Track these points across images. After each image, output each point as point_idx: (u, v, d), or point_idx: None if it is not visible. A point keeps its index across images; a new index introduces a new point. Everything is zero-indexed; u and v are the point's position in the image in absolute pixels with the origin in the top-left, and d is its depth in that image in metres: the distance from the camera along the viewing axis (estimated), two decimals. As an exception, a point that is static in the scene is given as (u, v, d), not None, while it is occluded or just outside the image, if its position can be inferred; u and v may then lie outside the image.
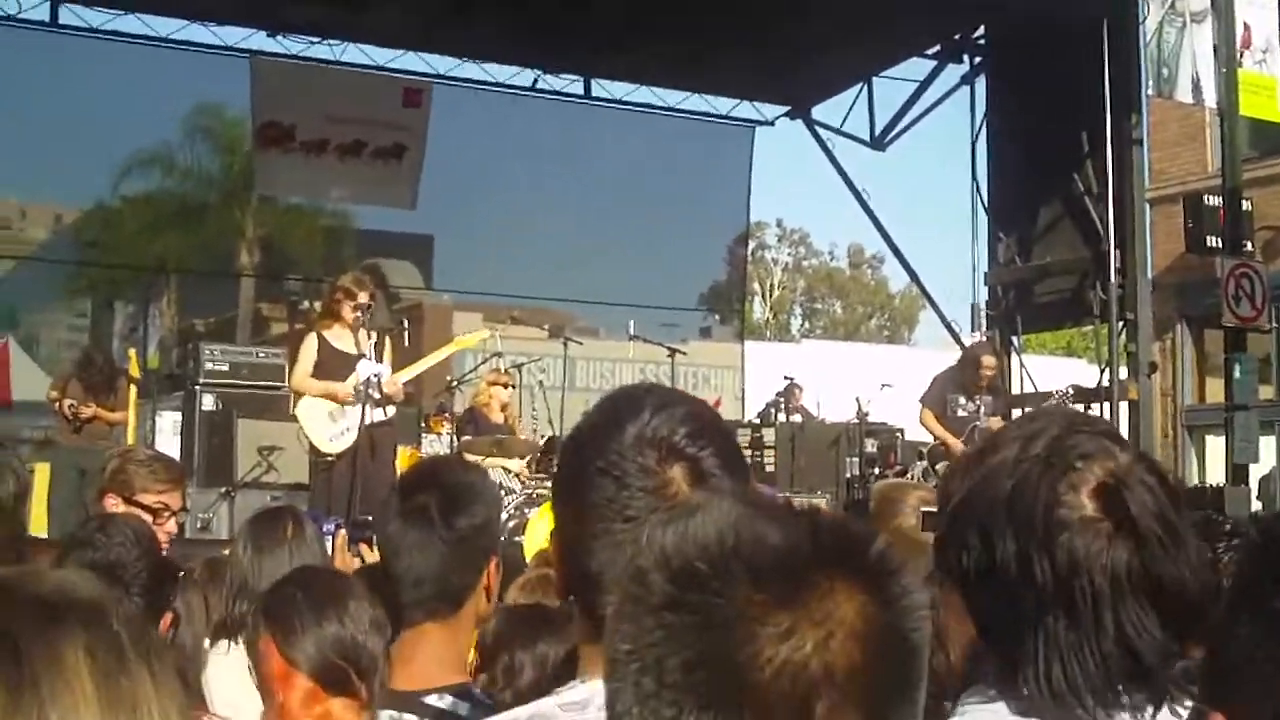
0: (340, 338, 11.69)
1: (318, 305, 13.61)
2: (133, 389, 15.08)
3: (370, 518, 5.84)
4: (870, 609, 1.47)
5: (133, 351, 16.23)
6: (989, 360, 15.44)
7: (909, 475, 15.65)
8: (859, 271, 74.84)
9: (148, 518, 5.60)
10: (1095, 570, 2.07)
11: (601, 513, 2.23)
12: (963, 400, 14.94)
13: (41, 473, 15.65)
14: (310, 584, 4.02)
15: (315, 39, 20.81)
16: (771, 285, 71.85)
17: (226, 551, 5.82)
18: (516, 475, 14.01)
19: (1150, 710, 2.09)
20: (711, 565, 1.49)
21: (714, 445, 2.28)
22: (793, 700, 1.43)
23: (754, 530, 1.52)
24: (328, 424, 11.60)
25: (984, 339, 18.66)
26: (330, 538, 5.45)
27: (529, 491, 13.39)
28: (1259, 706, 1.70)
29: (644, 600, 1.52)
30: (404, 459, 14.17)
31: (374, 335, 11.77)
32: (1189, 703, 2.10)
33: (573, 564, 2.29)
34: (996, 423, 14.29)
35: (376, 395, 11.45)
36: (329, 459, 11.59)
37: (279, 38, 20.73)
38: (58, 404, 15.66)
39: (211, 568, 5.34)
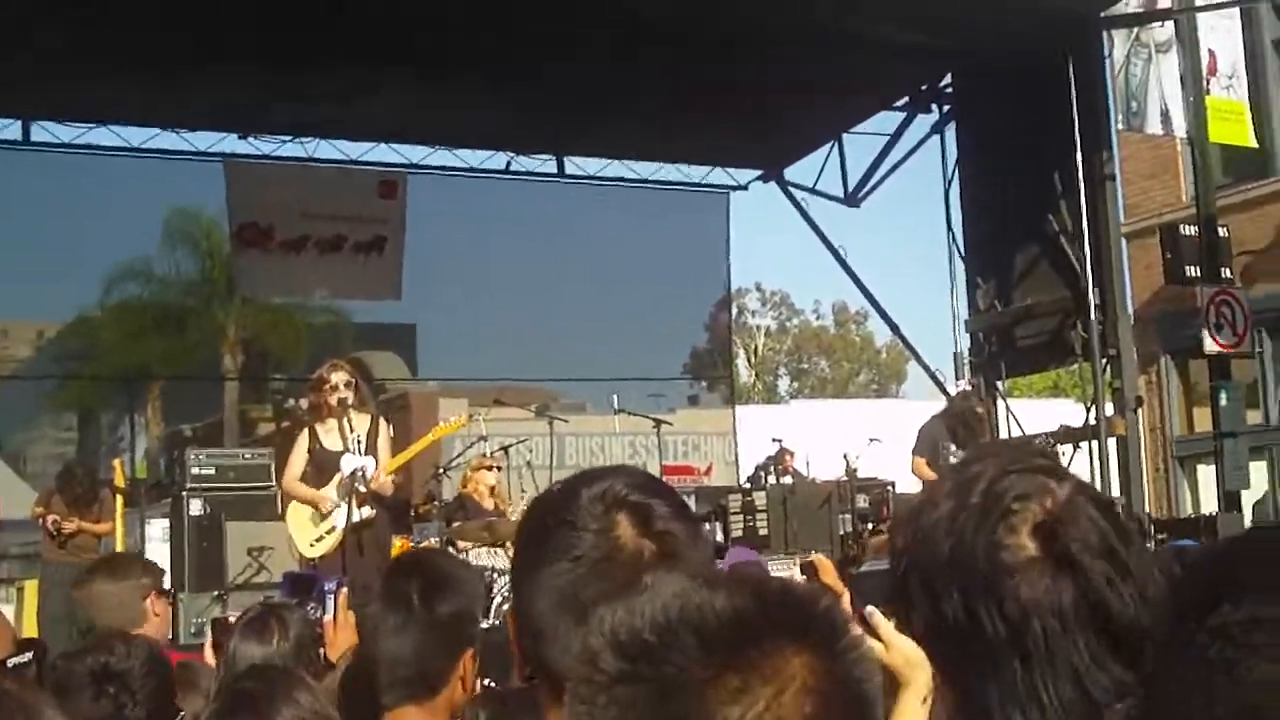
0: (329, 432, 11.63)
1: (304, 403, 13.59)
2: (119, 499, 15.08)
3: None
4: (818, 663, 1.50)
5: (117, 462, 16.26)
6: (976, 410, 15.44)
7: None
8: (844, 329, 74.84)
9: None
10: (1045, 611, 2.04)
11: (551, 559, 2.23)
12: (954, 448, 14.92)
13: (30, 589, 15.69)
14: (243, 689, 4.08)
15: (286, 138, 20.87)
16: (756, 349, 71.90)
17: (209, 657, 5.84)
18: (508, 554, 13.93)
19: None
20: (659, 636, 1.51)
21: (665, 499, 2.29)
22: None
23: (699, 599, 1.53)
24: (310, 528, 11.59)
25: (968, 387, 18.61)
26: (331, 596, 5.49)
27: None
28: None
29: (596, 679, 1.53)
30: (397, 550, 14.13)
31: (363, 421, 11.69)
32: None
33: (523, 621, 2.28)
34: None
35: (362, 489, 11.37)
36: (312, 562, 11.52)
37: (250, 139, 20.78)
38: (41, 520, 15.70)
39: (184, 672, 5.36)
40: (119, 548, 14.77)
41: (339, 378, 11.62)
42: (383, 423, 12.06)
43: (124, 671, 4.43)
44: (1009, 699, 2.04)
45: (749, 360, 69.56)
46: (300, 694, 3.94)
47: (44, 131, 20.01)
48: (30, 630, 15.14)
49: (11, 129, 19.75)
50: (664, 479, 2.68)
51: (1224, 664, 1.57)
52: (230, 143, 20.93)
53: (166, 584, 7.37)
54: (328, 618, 5.42)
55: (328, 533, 11.47)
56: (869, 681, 1.54)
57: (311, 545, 11.54)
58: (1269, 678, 1.52)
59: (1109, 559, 2.07)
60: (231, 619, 6.18)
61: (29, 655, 3.30)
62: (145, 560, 7.20)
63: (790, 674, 1.47)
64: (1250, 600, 1.58)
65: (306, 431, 11.88)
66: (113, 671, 4.39)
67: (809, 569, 6.50)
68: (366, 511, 11.46)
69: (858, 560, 14.08)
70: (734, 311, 38.79)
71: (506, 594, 12.71)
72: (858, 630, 1.58)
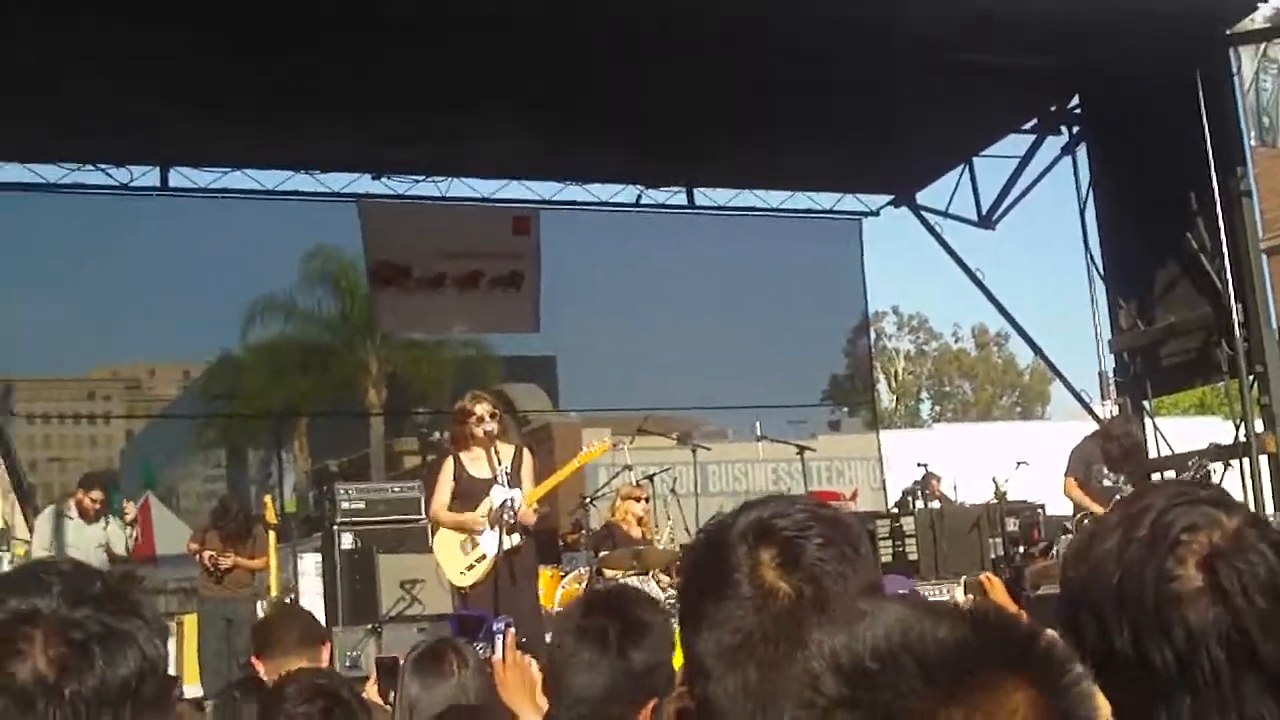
0: (475, 461, 11.63)
1: (448, 435, 13.67)
2: (271, 535, 15.30)
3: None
4: (1040, 700, 1.48)
5: (268, 498, 16.41)
6: (1133, 437, 15.26)
7: (1053, 550, 15.54)
8: (986, 351, 74.23)
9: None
10: (1213, 644, 2.02)
11: (706, 596, 2.25)
12: (1106, 471, 14.77)
13: (190, 624, 15.97)
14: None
15: (420, 177, 21.04)
16: (896, 373, 71.48)
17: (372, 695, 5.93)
18: (657, 582, 13.99)
19: None
20: (882, 663, 1.51)
21: (824, 536, 2.25)
22: None
23: (921, 628, 1.53)
24: (459, 556, 11.57)
25: (1118, 410, 18.44)
26: (500, 636, 5.47)
27: (672, 600, 13.25)
28: None
29: (816, 703, 1.53)
30: (545, 580, 14.22)
31: (508, 451, 11.72)
32: None
33: (688, 658, 2.29)
34: (1142, 491, 14.12)
35: (511, 521, 11.41)
36: (463, 591, 11.60)
37: (384, 179, 20.97)
38: (198, 555, 16.00)
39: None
40: (273, 582, 14.97)
41: (483, 409, 11.59)
42: (526, 453, 12.01)
43: (348, 698, 4.63)
44: None
45: (889, 384, 69.17)
46: None
47: (181, 177, 20.22)
48: (190, 664, 15.44)
49: (150, 175, 19.97)
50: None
51: None
52: (364, 183, 21.10)
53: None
54: (497, 657, 5.40)
55: (478, 560, 11.46)
56: (1090, 718, 1.53)
57: (462, 574, 11.52)
58: None
59: (1272, 595, 2.03)
60: (399, 659, 6.24)
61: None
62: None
63: (1012, 708, 1.46)
64: None
65: (451, 460, 11.89)
66: (340, 695, 4.60)
67: (976, 588, 6.35)
68: (516, 539, 11.50)
69: (1019, 583, 13.93)
70: (872, 336, 38.51)
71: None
72: (1079, 665, 1.56)
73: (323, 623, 7.39)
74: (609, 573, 14.23)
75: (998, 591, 6.34)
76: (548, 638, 11.54)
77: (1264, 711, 1.99)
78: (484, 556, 11.43)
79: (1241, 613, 2.01)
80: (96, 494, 15.99)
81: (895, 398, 70.49)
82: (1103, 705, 2.18)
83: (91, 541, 15.53)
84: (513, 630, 5.52)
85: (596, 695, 3.64)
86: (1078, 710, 1.51)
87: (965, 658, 1.50)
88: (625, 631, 3.70)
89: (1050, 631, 1.61)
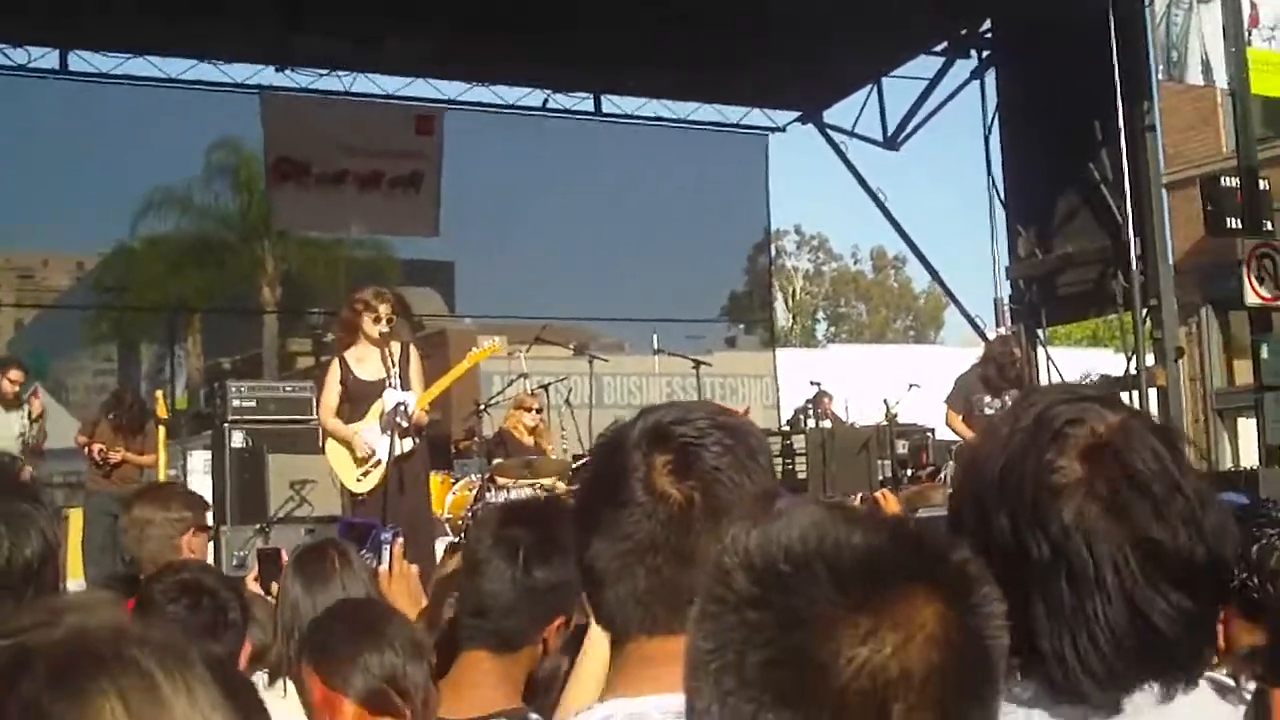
0: (364, 361, 11.34)
1: (337, 325, 13.37)
2: (161, 430, 15.08)
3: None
4: (949, 615, 1.49)
5: (159, 393, 16.23)
6: (1011, 354, 15.37)
7: (941, 474, 15.68)
8: (883, 274, 74.56)
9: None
10: (1093, 535, 2.01)
11: (603, 503, 2.25)
12: (988, 399, 14.87)
13: (75, 518, 15.72)
14: (349, 615, 4.09)
15: (324, 71, 20.80)
16: (793, 292, 71.65)
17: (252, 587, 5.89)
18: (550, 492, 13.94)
19: (1181, 685, 2.03)
20: (795, 566, 1.51)
21: (722, 444, 2.25)
22: (870, 700, 1.45)
23: (837, 534, 1.53)
24: (354, 463, 11.44)
25: (1006, 334, 18.57)
26: (387, 545, 5.45)
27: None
28: None
29: (727, 599, 1.53)
30: (435, 486, 14.15)
31: (396, 348, 11.40)
32: (1252, 683, 2.09)
33: (583, 564, 2.29)
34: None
35: (405, 424, 11.28)
36: (360, 497, 11.48)
37: (287, 71, 20.68)
38: (87, 448, 15.69)
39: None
40: (161, 479, 14.75)
41: (385, 309, 11.30)
42: (414, 350, 11.72)
43: (214, 586, 4.53)
44: (1059, 624, 2.02)
45: (786, 303, 69.34)
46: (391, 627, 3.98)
47: (81, 61, 19.94)
48: (75, 558, 15.25)
49: (49, 58, 19.65)
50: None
51: None
52: (267, 75, 20.85)
53: (209, 519, 7.41)
54: (383, 568, 5.35)
55: (373, 466, 11.32)
56: (997, 638, 1.55)
57: (358, 480, 11.32)
58: None
59: (1160, 484, 2.02)
60: (282, 552, 6.18)
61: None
62: (190, 495, 7.16)
63: (920, 622, 1.47)
64: None
65: (337, 363, 11.60)
66: (206, 586, 4.50)
67: (872, 505, 6.37)
68: (409, 444, 11.37)
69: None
70: (772, 253, 38.58)
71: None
72: (992, 585, 1.58)
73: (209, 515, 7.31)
74: (500, 480, 14.22)
75: (891, 508, 6.37)
76: (436, 543, 11.53)
77: (1155, 596, 2.00)
78: (379, 462, 11.29)
79: (1128, 502, 2.01)
80: (16, 374, 15.08)
81: (792, 316, 70.69)
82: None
83: (12, 427, 14.97)
84: (400, 540, 5.50)
85: (499, 606, 3.65)
86: (985, 628, 1.53)
87: (878, 567, 1.50)
88: (534, 547, 3.67)
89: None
